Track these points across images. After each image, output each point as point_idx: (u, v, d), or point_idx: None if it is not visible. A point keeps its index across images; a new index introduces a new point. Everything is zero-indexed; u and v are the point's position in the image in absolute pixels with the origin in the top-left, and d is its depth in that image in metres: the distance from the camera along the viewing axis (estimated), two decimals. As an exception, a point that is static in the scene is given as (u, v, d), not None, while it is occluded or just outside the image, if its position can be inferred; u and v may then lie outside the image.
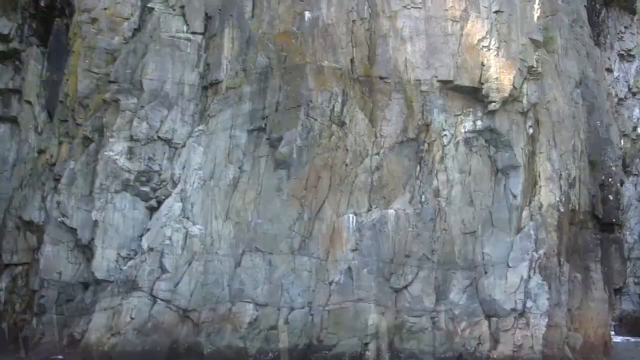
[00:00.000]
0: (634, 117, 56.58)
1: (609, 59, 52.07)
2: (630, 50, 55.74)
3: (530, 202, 22.16)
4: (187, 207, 21.15)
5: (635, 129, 56.14)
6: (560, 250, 22.51)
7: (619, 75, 55.53)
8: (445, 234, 21.40)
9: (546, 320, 20.71)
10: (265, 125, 21.46)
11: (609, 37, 54.08)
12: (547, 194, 22.36)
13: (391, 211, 21.09)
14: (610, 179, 27.14)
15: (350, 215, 21.01)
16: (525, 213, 21.81)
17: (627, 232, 53.10)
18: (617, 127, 30.76)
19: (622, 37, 55.51)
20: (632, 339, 38.42)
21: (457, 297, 21.01)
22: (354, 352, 19.90)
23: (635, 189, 55.82)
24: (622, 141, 53.37)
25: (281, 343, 19.82)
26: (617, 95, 54.55)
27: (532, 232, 21.38)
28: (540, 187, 22.48)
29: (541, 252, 21.31)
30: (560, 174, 22.88)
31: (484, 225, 21.69)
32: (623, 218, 28.86)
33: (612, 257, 26.04)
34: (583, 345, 23.28)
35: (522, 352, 20.40)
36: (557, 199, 22.47)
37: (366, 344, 20.06)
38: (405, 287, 20.81)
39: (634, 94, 56.97)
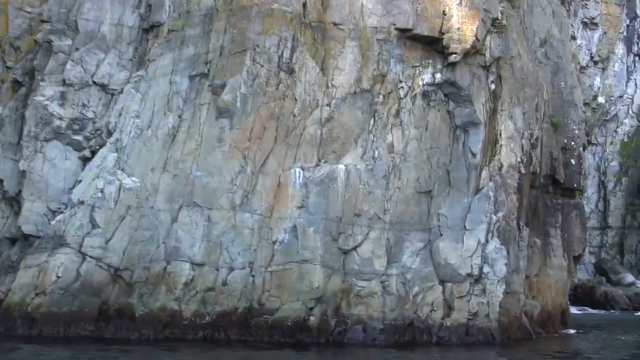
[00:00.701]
0: (595, 86, 55.90)
1: (572, 26, 51.08)
2: (593, 18, 54.93)
3: (489, 162, 20.89)
4: (122, 157, 19.50)
5: (595, 97, 55.49)
6: (520, 213, 21.38)
7: (581, 44, 54.73)
8: (399, 193, 20.00)
9: (503, 287, 19.48)
10: (208, 70, 19.81)
11: (573, 4, 53.15)
12: (508, 154, 21.13)
13: (341, 166, 19.59)
14: (572, 143, 26.10)
15: (297, 170, 19.48)
16: (484, 173, 20.52)
17: (584, 202, 52.74)
18: (581, 90, 29.64)
19: (586, 4, 54.67)
20: (588, 310, 37.87)
21: (409, 260, 19.65)
22: (297, 317, 18.46)
23: (594, 158, 55.34)
24: (582, 108, 52.99)
25: (219, 306, 18.38)
26: (579, 63, 53.77)
27: (491, 193, 20.10)
28: (500, 146, 21.24)
29: (500, 214, 20.06)
30: (522, 134, 21.66)
31: (440, 184, 20.35)
32: (584, 184, 27.79)
33: (572, 223, 25.05)
34: (541, 314, 22.28)
35: (477, 320, 19.17)
36: (518, 159, 21.26)
37: (311, 309, 18.63)
38: (355, 248, 19.36)
39: (595, 63, 56.25)
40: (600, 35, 56.24)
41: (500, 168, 20.84)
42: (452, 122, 20.81)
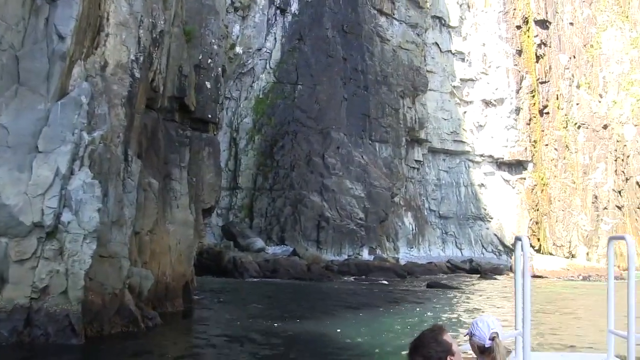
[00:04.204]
0: (234, 34, 51.20)
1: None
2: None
3: (87, 54, 13.47)
4: None
5: (233, 47, 50.71)
6: (130, 138, 14.30)
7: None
8: None
9: (94, 246, 12.20)
10: None
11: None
12: (117, 48, 13.94)
13: None
14: (210, 61, 19.83)
15: None
16: (77, 69, 13.03)
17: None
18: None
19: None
20: (214, 278, 32.31)
21: None
22: None
23: (227, 113, 50.50)
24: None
25: None
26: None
27: (84, 99, 12.68)
28: (107, 34, 13.96)
29: (97, 134, 12.74)
30: (141, 22, 14.58)
31: (3, 78, 12.42)
32: (221, 116, 21.71)
33: (203, 164, 18.74)
34: (155, 289, 15.60)
35: (47, 302, 11.65)
36: (132, 57, 14.19)
37: None
38: None
39: (236, 9, 51.51)
40: (246, -18, 51.77)
41: (103, 66, 13.61)
42: (30, -16, 12.95)
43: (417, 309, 20.76)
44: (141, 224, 15.09)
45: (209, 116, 19.24)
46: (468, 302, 24.78)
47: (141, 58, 14.34)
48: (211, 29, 19.90)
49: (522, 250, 5.03)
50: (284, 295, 25.19)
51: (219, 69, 19.87)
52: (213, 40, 19.77)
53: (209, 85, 19.35)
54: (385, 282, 34.11)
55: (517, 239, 5.10)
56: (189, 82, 18.08)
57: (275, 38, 54.12)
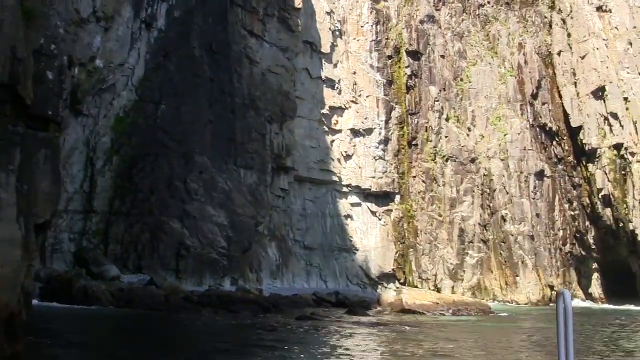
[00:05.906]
0: (94, 46, 47.40)
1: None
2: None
3: None
4: None
5: (93, 59, 46.93)
6: None
7: (83, -10, 45.91)
8: None
9: None
10: None
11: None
12: None
13: None
14: (53, 47, 16.59)
15: None
16: None
17: (68, 181, 44.25)
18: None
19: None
20: (61, 307, 28.80)
21: None
22: None
23: (84, 131, 46.60)
24: (76, 70, 44.12)
25: None
26: (78, 12, 45.20)
27: None
28: None
29: None
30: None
31: None
32: (64, 115, 18.43)
33: (38, 169, 15.37)
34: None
35: None
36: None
37: None
38: None
39: (98, 19, 47.79)
40: (106, -11, 48.22)
41: None
42: None
43: (302, 355, 18.11)
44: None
45: (50, 112, 15.92)
46: (359, 343, 22.43)
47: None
48: (57, 9, 16.74)
49: (564, 304, 4.75)
50: (142, 332, 21.97)
51: (65, 57, 16.69)
52: (59, 23, 16.60)
53: (50, 76, 16.10)
54: (262, 317, 31.43)
55: (559, 293, 4.82)
56: (26, 69, 14.84)
57: (139, 53, 50.71)
